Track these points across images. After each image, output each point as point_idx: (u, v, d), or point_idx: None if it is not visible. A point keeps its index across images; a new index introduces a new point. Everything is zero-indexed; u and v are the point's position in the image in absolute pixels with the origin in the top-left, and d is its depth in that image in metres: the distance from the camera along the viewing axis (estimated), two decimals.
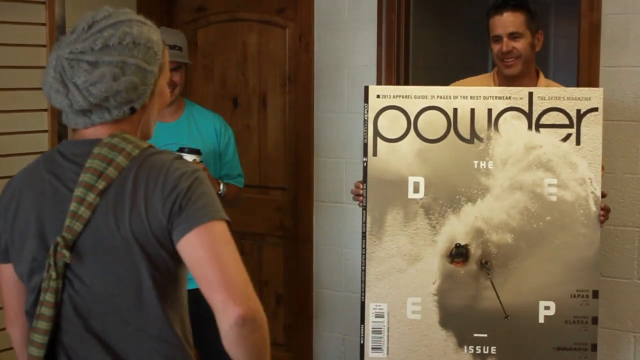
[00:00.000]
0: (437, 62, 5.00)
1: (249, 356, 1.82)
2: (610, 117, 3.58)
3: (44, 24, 3.85)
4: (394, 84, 4.24)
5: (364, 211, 2.95)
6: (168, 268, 1.83)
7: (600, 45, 3.63)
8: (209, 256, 1.76)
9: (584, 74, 3.67)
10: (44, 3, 3.86)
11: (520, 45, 3.20)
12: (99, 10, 1.88)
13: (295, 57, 4.57)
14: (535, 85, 3.25)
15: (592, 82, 3.63)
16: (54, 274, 1.80)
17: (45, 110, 3.80)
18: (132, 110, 1.87)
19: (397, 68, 4.28)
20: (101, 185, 1.80)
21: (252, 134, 4.79)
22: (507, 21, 3.18)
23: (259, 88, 4.74)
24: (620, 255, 3.62)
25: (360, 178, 2.98)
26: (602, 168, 2.98)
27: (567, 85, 3.42)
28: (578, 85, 3.68)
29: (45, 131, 3.81)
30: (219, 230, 1.80)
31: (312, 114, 4.49)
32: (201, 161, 3.25)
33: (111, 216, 1.79)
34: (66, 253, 1.78)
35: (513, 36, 3.19)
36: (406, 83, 4.33)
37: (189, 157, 3.06)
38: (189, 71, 4.90)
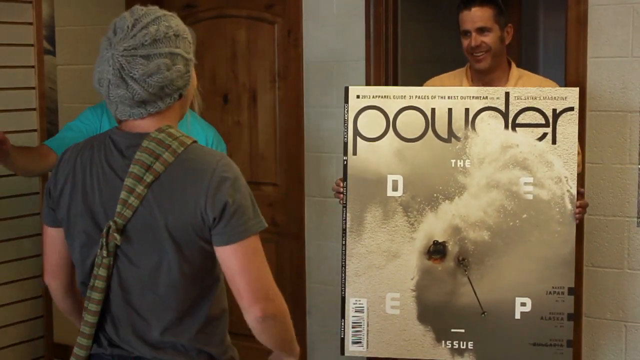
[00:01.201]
0: (427, 56, 5.07)
1: (274, 342, 2.27)
2: (598, 107, 3.67)
3: (30, 23, 3.95)
4: (383, 79, 4.32)
5: (344, 208, 3.06)
6: (199, 258, 2.11)
7: (588, 37, 3.72)
8: (240, 268, 2.10)
9: (572, 65, 3.75)
10: (30, 2, 3.94)
11: (488, 39, 3.31)
12: (133, 10, 2.11)
13: (284, 53, 4.63)
14: (507, 75, 3.36)
15: (580, 73, 3.71)
16: (105, 253, 2.09)
17: (34, 109, 3.90)
18: (181, 96, 2.15)
19: (386, 62, 4.35)
20: (149, 178, 2.06)
21: (242, 130, 4.86)
22: (475, 16, 3.29)
23: (249, 84, 4.81)
24: (610, 245, 3.70)
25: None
26: (578, 165, 3.08)
27: (553, 77, 3.53)
28: (566, 77, 3.77)
29: (34, 130, 3.91)
30: (253, 244, 2.13)
31: (302, 110, 4.56)
32: None
33: (155, 208, 2.07)
34: (117, 236, 2.07)
35: (481, 31, 3.30)
36: (395, 77, 4.41)
37: None
38: None
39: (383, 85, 4.28)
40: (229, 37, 4.85)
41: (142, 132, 2.12)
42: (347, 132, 3.05)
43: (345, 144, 3.06)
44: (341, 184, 3.11)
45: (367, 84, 4.31)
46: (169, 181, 2.07)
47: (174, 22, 2.12)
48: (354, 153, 3.05)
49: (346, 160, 3.06)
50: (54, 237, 2.26)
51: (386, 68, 4.36)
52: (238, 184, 2.10)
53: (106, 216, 2.11)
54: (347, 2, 4.38)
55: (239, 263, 2.09)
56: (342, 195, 3.08)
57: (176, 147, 2.08)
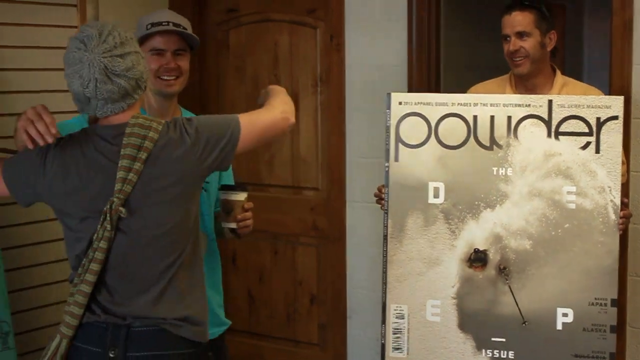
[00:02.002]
0: (469, 62, 5.05)
1: None
2: None
3: (75, 27, 4.02)
4: (424, 84, 4.32)
5: (385, 215, 3.07)
6: (186, 222, 2.49)
7: (633, 43, 3.68)
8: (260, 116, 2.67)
9: (617, 72, 3.72)
10: (75, 5, 4.02)
11: (527, 44, 3.29)
12: (87, 25, 2.47)
13: (326, 57, 4.65)
14: (551, 82, 3.35)
15: (625, 80, 3.68)
16: (109, 226, 2.38)
17: (77, 112, 3.96)
18: (144, 88, 2.50)
19: (428, 67, 4.35)
20: (143, 155, 2.40)
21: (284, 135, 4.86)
22: (515, 20, 3.28)
23: (291, 89, 4.78)
24: None
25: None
26: (622, 175, 3.06)
27: (597, 84, 3.51)
28: (611, 84, 3.74)
29: None
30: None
31: (344, 114, 4.56)
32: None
33: (150, 177, 2.41)
34: (122, 209, 2.37)
35: (520, 35, 3.29)
36: (437, 83, 4.40)
37: (234, 196, 2.93)
38: (221, 73, 5.04)
39: (425, 90, 4.27)
40: (271, 42, 4.87)
41: (121, 123, 2.45)
42: (389, 138, 3.06)
43: (387, 151, 3.07)
44: (383, 191, 3.11)
45: (409, 89, 4.32)
46: (162, 152, 2.43)
47: (123, 28, 2.48)
48: (396, 159, 3.05)
49: (388, 167, 3.06)
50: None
51: (428, 74, 4.36)
52: (200, 117, 2.57)
53: (103, 195, 2.40)
54: (389, 6, 4.39)
55: (257, 123, 2.61)
56: (383, 201, 3.09)
57: (155, 126, 2.45)
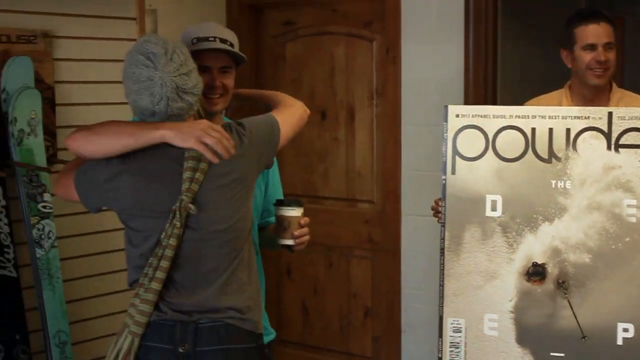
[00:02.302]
0: (526, 75, 5.03)
1: None
2: None
3: (134, 40, 4.06)
4: (481, 98, 4.30)
5: (442, 228, 3.05)
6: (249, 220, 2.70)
7: None
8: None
9: None
10: (134, 19, 4.08)
11: (612, 56, 3.26)
12: (151, 40, 2.58)
13: (382, 70, 4.66)
14: (608, 96, 3.32)
15: None
16: (178, 223, 2.51)
17: None
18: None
19: (485, 80, 4.33)
20: (203, 166, 2.54)
21: (339, 147, 4.90)
22: (602, 31, 3.23)
23: (347, 101, 4.85)
24: None
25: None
26: None
27: None
28: None
29: None
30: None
31: (399, 127, 4.56)
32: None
33: (223, 177, 2.58)
34: (192, 206, 2.51)
35: (608, 46, 3.25)
36: (494, 96, 4.38)
37: (292, 212, 2.93)
38: (277, 85, 5.07)
39: (481, 104, 4.26)
40: (328, 54, 4.90)
41: None
42: (445, 151, 3.04)
43: (444, 163, 3.04)
44: (439, 204, 3.10)
45: (465, 102, 4.30)
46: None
47: (179, 43, 2.66)
48: (453, 172, 3.04)
49: (445, 180, 3.05)
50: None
51: (485, 87, 4.34)
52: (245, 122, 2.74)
53: (171, 195, 2.53)
54: (446, 19, 4.38)
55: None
56: (440, 214, 3.08)
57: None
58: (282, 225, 2.89)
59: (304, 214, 2.95)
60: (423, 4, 4.45)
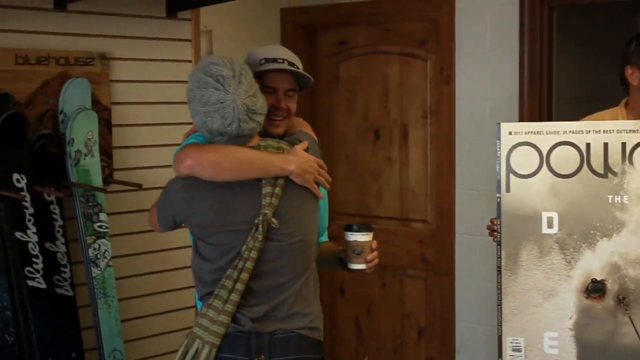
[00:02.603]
0: (582, 93, 4.97)
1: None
2: None
3: (189, 61, 4.11)
4: (536, 116, 4.26)
5: (498, 246, 3.02)
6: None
7: None
8: None
9: None
10: (189, 40, 4.11)
11: None
12: (218, 62, 2.65)
13: (436, 89, 4.65)
14: None
15: None
16: (260, 237, 2.60)
17: None
18: None
19: (540, 99, 4.30)
20: (281, 182, 2.66)
21: (393, 166, 4.89)
22: None
23: (401, 120, 4.84)
24: None
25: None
26: None
27: None
28: None
29: None
30: None
31: (454, 146, 4.55)
32: None
33: (298, 192, 2.70)
34: (274, 220, 2.62)
35: None
36: (549, 114, 4.33)
37: (365, 237, 2.91)
38: (331, 105, 5.09)
39: (536, 122, 4.22)
40: (381, 73, 4.90)
41: (252, 144, 2.70)
42: (499, 169, 3.01)
43: (499, 181, 3.01)
44: (495, 222, 3.07)
45: (520, 120, 4.26)
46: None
47: (243, 63, 2.71)
48: (507, 190, 3.00)
49: (500, 198, 3.01)
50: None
51: (540, 105, 4.30)
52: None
53: (250, 210, 2.62)
54: (500, 38, 4.37)
55: None
56: (496, 233, 3.05)
57: (285, 146, 2.75)
58: (355, 250, 2.87)
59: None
60: (477, 23, 4.44)
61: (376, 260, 2.95)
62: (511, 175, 2.99)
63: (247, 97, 2.60)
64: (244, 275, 2.59)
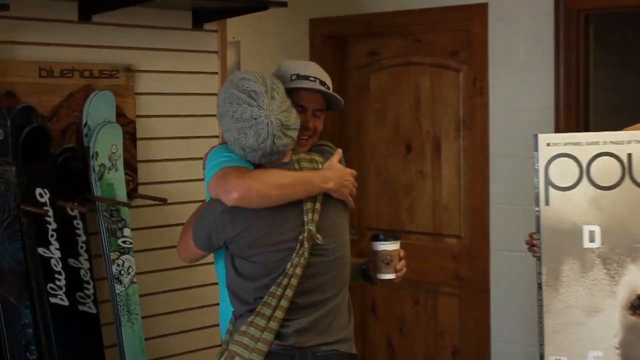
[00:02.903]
0: (618, 102, 4.89)
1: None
2: None
3: (216, 73, 4.06)
4: (573, 127, 4.19)
5: (538, 262, 2.93)
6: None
7: None
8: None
9: None
10: (216, 52, 4.06)
11: None
12: (249, 78, 2.65)
13: (469, 101, 4.60)
14: None
15: None
16: (306, 253, 2.61)
17: None
18: None
19: (577, 110, 4.24)
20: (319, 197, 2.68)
21: (425, 180, 4.84)
22: None
23: (433, 133, 4.79)
24: None
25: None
26: None
27: None
28: None
29: None
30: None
31: (487, 159, 4.50)
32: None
33: (332, 206, 2.72)
34: (319, 236, 2.62)
35: None
36: (586, 126, 4.27)
37: (393, 246, 2.92)
38: (361, 117, 5.03)
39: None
40: (413, 85, 4.86)
41: (284, 162, 2.71)
42: (537, 181, 2.92)
43: (537, 194, 2.92)
44: (534, 237, 2.98)
45: (556, 132, 4.19)
46: None
47: (273, 78, 2.71)
48: (547, 203, 2.91)
49: (538, 211, 2.92)
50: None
51: (577, 116, 4.25)
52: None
53: (293, 226, 2.64)
54: (535, 48, 4.32)
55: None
56: (536, 248, 2.96)
57: (319, 159, 2.77)
58: (384, 259, 2.88)
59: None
60: (511, 33, 4.40)
61: (404, 269, 2.96)
62: (550, 188, 2.90)
63: (280, 112, 2.60)
64: (289, 292, 2.61)
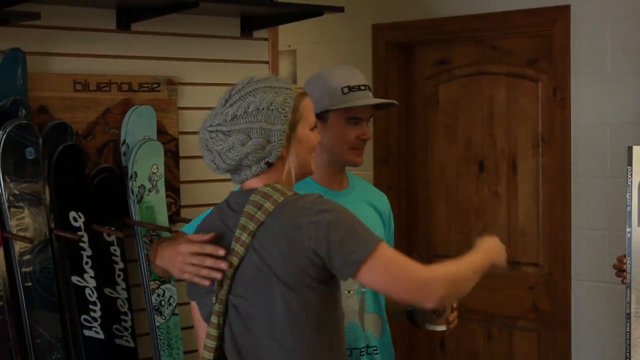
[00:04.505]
0: None
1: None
2: None
3: None
4: None
5: (628, 289, 2.91)
6: (311, 300, 2.41)
7: None
8: (383, 282, 2.39)
9: None
10: (267, 62, 4.06)
11: None
12: (239, 82, 2.56)
13: (549, 114, 4.58)
14: None
15: None
16: (214, 299, 2.45)
17: None
18: (268, 164, 2.50)
19: None
20: (252, 226, 2.42)
21: (500, 202, 4.82)
22: None
23: (508, 149, 4.78)
24: None
25: (625, 252, 2.93)
26: None
27: None
28: None
29: None
30: (379, 258, 2.36)
31: (569, 179, 4.48)
32: None
33: (262, 254, 2.41)
34: (225, 284, 2.43)
35: None
36: None
37: None
38: (429, 131, 5.00)
39: None
40: (486, 97, 4.85)
41: (252, 187, 2.50)
42: (630, 199, 2.91)
43: (629, 214, 2.92)
44: (624, 261, 2.93)
45: None
46: (271, 228, 2.40)
47: (262, 96, 2.49)
48: (639, 224, 2.86)
49: (630, 233, 2.90)
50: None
51: None
52: (336, 218, 2.37)
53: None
54: (622, 55, 4.30)
55: (379, 280, 2.38)
56: (625, 273, 2.91)
57: (277, 197, 2.43)
58: (436, 311, 2.87)
59: None
60: (596, 40, 4.39)
61: (456, 321, 2.94)
62: None
63: (212, 130, 2.56)
64: (209, 343, 2.56)
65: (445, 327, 2.90)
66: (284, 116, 2.49)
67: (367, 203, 3.15)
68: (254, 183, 2.53)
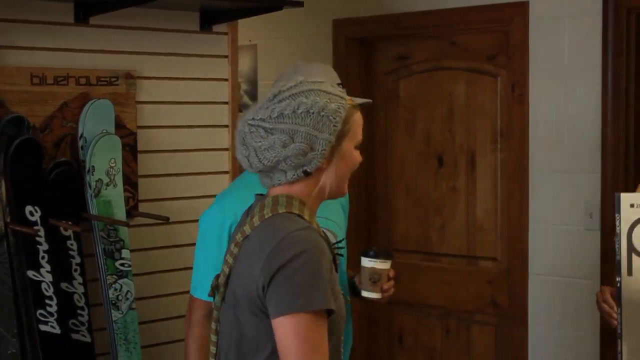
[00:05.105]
0: None
1: None
2: None
3: (226, 80, 4.08)
4: (621, 140, 4.17)
5: (619, 340, 2.83)
6: (255, 328, 2.27)
7: None
8: (280, 347, 2.19)
9: None
10: (226, 57, 4.08)
11: None
12: (292, 79, 2.35)
13: (507, 110, 4.59)
14: None
15: None
16: (214, 306, 2.41)
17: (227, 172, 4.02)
18: (306, 173, 2.32)
19: (626, 120, 4.22)
20: (239, 238, 2.32)
21: (458, 197, 4.83)
22: None
23: (467, 145, 4.79)
24: None
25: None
26: None
27: None
28: None
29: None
30: (293, 325, 2.17)
31: (527, 175, 4.49)
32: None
33: (239, 267, 2.30)
34: (217, 295, 2.38)
35: None
36: (637, 138, 4.23)
37: (383, 264, 2.87)
38: (389, 127, 5.03)
39: (621, 146, 4.17)
40: (446, 92, 4.86)
41: (276, 195, 2.34)
42: (619, 248, 2.81)
43: (618, 262, 2.80)
44: (614, 306, 2.88)
45: (603, 147, 4.21)
46: (249, 244, 2.28)
47: (314, 99, 2.30)
48: (629, 273, 2.80)
49: (619, 282, 2.81)
50: None
51: (626, 128, 4.22)
52: (301, 258, 2.18)
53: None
54: (580, 51, 4.31)
55: (279, 342, 2.19)
56: (615, 321, 2.88)
57: (266, 212, 2.29)
58: (372, 277, 2.87)
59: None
60: (554, 35, 4.40)
61: (392, 290, 2.93)
62: (634, 256, 2.81)
63: (253, 124, 2.33)
64: (212, 349, 2.50)
65: (379, 295, 2.88)
66: (334, 126, 2.30)
67: (340, 204, 3.11)
68: (276, 191, 2.36)
